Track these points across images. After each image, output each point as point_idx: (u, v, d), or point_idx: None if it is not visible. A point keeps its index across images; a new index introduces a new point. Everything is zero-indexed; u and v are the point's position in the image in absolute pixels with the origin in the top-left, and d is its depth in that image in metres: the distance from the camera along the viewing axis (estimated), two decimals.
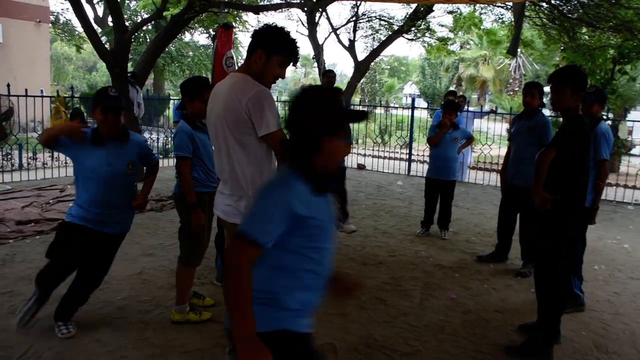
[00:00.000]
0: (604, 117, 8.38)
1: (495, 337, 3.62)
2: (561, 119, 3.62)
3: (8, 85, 8.04)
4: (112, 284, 4.23)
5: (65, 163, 9.38)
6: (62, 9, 30.70)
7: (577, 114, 3.34)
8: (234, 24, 12.37)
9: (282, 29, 2.64)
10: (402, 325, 3.76)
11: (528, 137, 4.81)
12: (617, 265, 5.40)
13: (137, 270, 4.61)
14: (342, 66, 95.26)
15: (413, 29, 12.50)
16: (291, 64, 2.71)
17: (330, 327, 3.66)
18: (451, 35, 13.80)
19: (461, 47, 30.11)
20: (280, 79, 2.74)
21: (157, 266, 4.72)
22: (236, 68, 5.47)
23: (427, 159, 6.35)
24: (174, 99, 12.52)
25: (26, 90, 8.37)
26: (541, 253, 3.44)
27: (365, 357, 3.28)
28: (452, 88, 29.82)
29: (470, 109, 10.68)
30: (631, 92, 14.51)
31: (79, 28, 22.53)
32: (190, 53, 24.29)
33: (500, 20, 12.48)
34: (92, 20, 9.62)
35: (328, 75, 7.81)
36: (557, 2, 9.24)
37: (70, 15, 23.94)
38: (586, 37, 9.79)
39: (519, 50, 21.01)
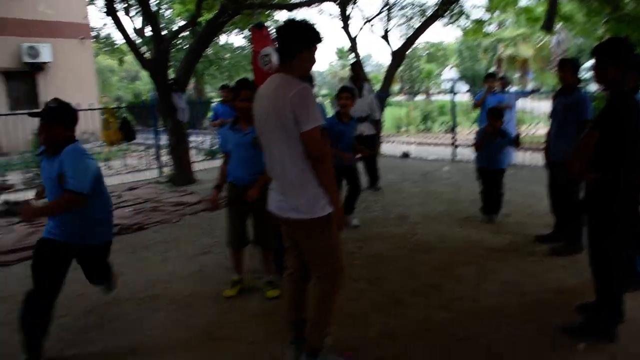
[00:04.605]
0: None
1: (553, 318, 3.57)
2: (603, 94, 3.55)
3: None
4: (175, 283, 4.43)
5: (117, 172, 9.76)
6: (102, 25, 31.69)
7: (621, 90, 3.25)
8: (266, 22, 12.54)
9: (302, 22, 2.79)
10: (458, 309, 3.78)
11: (566, 114, 4.75)
12: None
13: (197, 268, 4.80)
14: (378, 56, 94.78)
15: (447, 13, 12.34)
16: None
17: (388, 314, 3.73)
18: (487, 16, 13.54)
19: (498, 27, 29.45)
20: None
21: (215, 263, 4.91)
22: (275, 64, 5.56)
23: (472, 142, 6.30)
24: (216, 102, 12.80)
25: (78, 104, 8.73)
26: (590, 233, 3.40)
27: (423, 343, 3.33)
28: (491, 69, 29.23)
29: (513, 89, 10.47)
30: None
31: (119, 41, 23.28)
32: (227, 55, 24.66)
33: None
34: (131, 31, 9.91)
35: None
36: None
37: (110, 30, 24.72)
38: (630, 6, 9.41)
39: (558, 25, 20.39)
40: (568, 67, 4.79)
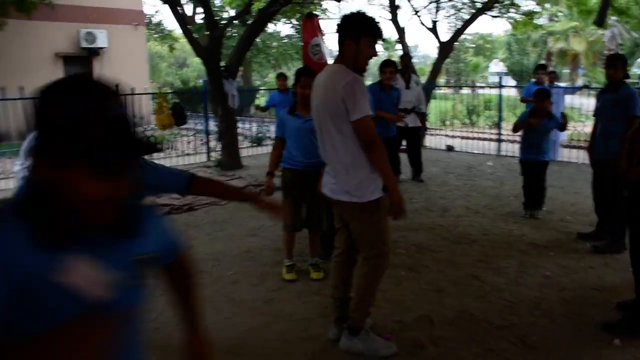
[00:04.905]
0: None
1: (592, 315, 3.62)
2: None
3: (117, 86, 8.74)
4: (223, 261, 4.67)
5: (167, 155, 10.13)
6: (155, 12, 32.51)
7: None
8: (316, 12, 12.68)
9: (358, 13, 2.90)
10: (497, 300, 3.88)
11: (613, 110, 4.72)
12: None
13: (244, 248, 5.03)
14: (425, 47, 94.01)
15: (497, 5, 12.19)
16: (378, 39, 2.91)
17: (427, 301, 3.85)
18: (538, 8, 13.27)
19: (549, 20, 28.68)
20: (374, 57, 2.94)
21: (262, 245, 5.12)
22: (324, 54, 5.72)
23: (518, 139, 6.30)
24: (263, 89, 13.07)
25: (132, 89, 9.12)
26: (633, 231, 3.43)
27: (461, 330, 3.44)
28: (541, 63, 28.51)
29: (562, 84, 10.30)
30: None
31: (169, 27, 23.85)
32: (275, 44, 24.92)
33: None
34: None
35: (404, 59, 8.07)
36: None
37: (161, 17, 25.38)
38: None
39: (613, 19, 19.71)
40: (619, 63, 4.75)
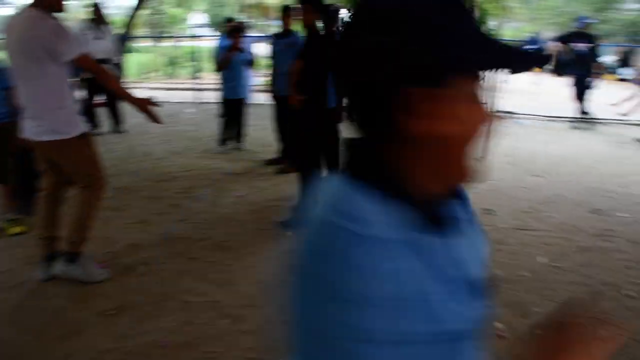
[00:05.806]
0: None
1: (273, 218, 4.46)
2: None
3: None
4: None
5: None
6: None
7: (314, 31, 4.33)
8: None
9: None
10: (197, 221, 4.49)
11: (289, 53, 5.63)
12: None
13: None
14: None
15: None
16: None
17: (133, 232, 4.24)
18: None
19: None
20: None
21: None
22: None
23: (217, 85, 6.89)
24: None
25: None
26: (299, 146, 4.45)
27: (166, 248, 3.93)
28: (235, 16, 29.95)
29: (252, 35, 11.28)
30: None
31: None
32: None
33: None
34: None
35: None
36: None
37: None
38: None
39: None
40: (308, 9, 5.63)
